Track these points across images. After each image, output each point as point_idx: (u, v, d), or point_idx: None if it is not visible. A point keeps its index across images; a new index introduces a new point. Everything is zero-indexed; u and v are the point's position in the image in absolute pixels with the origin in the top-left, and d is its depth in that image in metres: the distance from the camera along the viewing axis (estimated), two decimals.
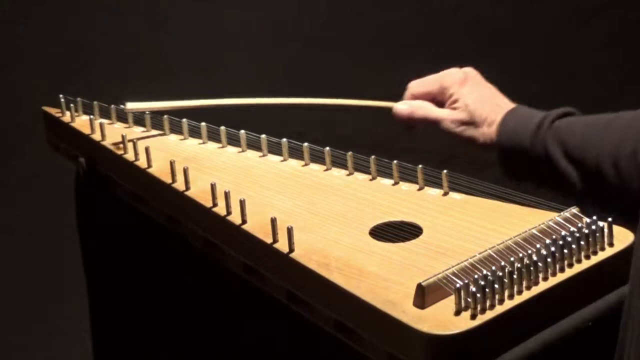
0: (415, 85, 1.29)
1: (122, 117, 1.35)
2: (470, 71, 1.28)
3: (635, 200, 1.02)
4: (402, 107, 1.28)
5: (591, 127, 1.18)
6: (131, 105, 1.30)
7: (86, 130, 1.31)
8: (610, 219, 0.99)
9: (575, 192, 1.15)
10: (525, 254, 0.94)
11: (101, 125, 1.29)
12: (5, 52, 2.18)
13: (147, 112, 1.32)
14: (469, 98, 1.24)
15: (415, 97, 1.28)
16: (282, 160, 1.25)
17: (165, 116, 1.32)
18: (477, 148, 1.24)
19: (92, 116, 1.33)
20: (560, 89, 2.51)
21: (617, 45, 2.60)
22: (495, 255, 0.95)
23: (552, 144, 1.17)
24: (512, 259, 0.93)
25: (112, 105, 1.35)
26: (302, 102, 1.32)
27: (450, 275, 0.92)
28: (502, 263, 0.93)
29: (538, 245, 0.96)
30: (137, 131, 1.34)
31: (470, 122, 1.24)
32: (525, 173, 1.20)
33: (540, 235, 0.98)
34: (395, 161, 1.17)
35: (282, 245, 1.03)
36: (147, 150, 1.21)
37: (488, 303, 0.90)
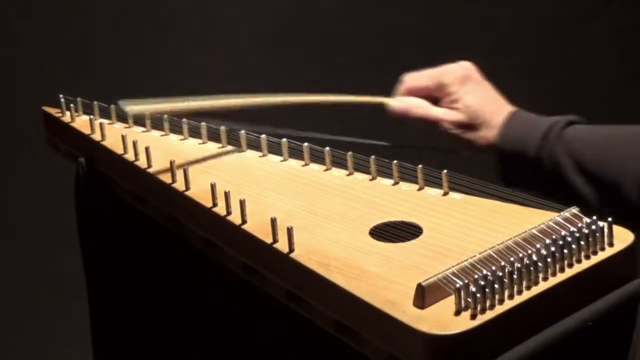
0: (411, 80, 1.24)
1: (122, 117, 1.35)
2: (469, 67, 1.22)
3: None
4: (397, 104, 1.22)
5: (609, 140, 1.11)
6: (130, 108, 1.26)
7: (86, 130, 1.31)
8: (610, 219, 0.99)
9: (585, 203, 1.11)
10: (525, 254, 0.94)
11: (101, 125, 1.29)
12: (5, 52, 2.18)
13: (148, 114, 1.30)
14: (470, 99, 1.19)
15: (410, 92, 1.23)
16: (282, 160, 1.25)
17: (166, 116, 1.32)
18: (476, 150, 1.21)
19: (92, 116, 1.33)
20: (560, 89, 2.51)
21: (617, 45, 2.60)
22: (495, 255, 0.95)
23: (562, 155, 1.12)
24: (512, 259, 0.93)
25: (112, 105, 1.35)
26: (293, 100, 1.28)
27: (450, 275, 0.92)
28: (502, 263, 0.93)
29: (538, 245, 0.96)
30: (137, 131, 1.34)
31: (470, 125, 1.19)
32: (525, 180, 1.16)
33: (540, 235, 0.98)
34: (395, 161, 1.16)
35: (282, 245, 1.03)
36: (147, 150, 1.21)
37: (488, 303, 0.90)
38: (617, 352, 0.98)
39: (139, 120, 1.35)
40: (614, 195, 1.09)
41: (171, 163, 1.17)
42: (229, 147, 1.29)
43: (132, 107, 1.24)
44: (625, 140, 1.11)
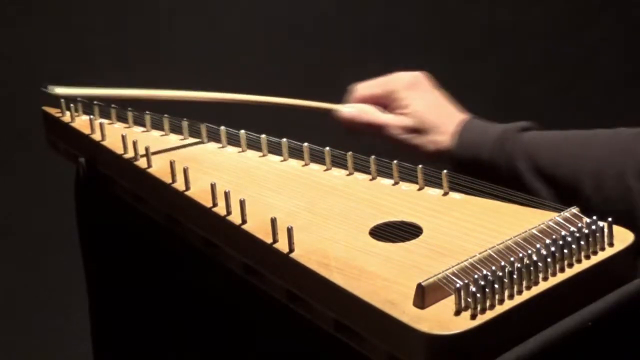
0: (361, 88, 1.24)
1: (122, 117, 1.35)
2: (420, 75, 1.22)
3: (617, 218, 0.99)
4: (345, 110, 1.23)
5: (565, 142, 1.13)
6: (60, 90, 1.26)
7: (86, 130, 1.31)
8: (610, 219, 0.99)
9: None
10: (525, 254, 0.94)
11: (101, 125, 1.29)
12: (5, 51, 2.18)
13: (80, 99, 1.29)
14: (419, 104, 1.19)
15: (360, 100, 1.23)
16: (282, 160, 1.25)
17: (166, 116, 1.32)
18: (423, 156, 1.20)
19: (92, 116, 1.33)
20: (560, 89, 2.51)
21: (618, 45, 2.60)
22: (495, 255, 0.95)
23: (518, 158, 1.13)
24: (512, 259, 0.93)
25: (112, 105, 1.35)
26: (246, 99, 1.28)
27: (450, 275, 0.92)
28: (502, 263, 0.93)
29: (538, 245, 0.96)
30: (137, 131, 1.34)
31: (419, 130, 1.19)
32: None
33: (540, 235, 0.98)
34: (395, 161, 1.17)
35: (282, 245, 1.03)
36: (147, 150, 1.21)
37: (488, 303, 0.90)
38: (617, 352, 0.98)
39: (138, 120, 1.35)
40: (571, 195, 1.10)
41: (171, 163, 1.17)
42: (229, 147, 1.29)
43: (62, 89, 1.25)
44: (579, 141, 1.13)
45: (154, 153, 1.22)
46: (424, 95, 1.21)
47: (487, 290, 0.90)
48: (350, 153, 1.20)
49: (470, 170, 1.16)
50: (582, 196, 1.09)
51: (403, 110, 1.20)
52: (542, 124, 1.26)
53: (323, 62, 2.33)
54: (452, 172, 1.12)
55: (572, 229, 0.98)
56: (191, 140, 1.32)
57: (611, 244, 0.98)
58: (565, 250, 0.95)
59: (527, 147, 1.13)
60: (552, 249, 0.95)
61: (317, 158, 1.23)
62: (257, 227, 1.06)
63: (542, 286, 0.93)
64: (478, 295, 0.89)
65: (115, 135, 1.28)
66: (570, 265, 0.96)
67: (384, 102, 1.22)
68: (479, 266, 0.93)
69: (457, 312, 0.90)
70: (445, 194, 1.13)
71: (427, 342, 0.87)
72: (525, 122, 1.18)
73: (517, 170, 1.13)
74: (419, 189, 1.15)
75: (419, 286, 0.91)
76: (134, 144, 1.23)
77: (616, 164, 1.08)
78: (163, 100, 1.29)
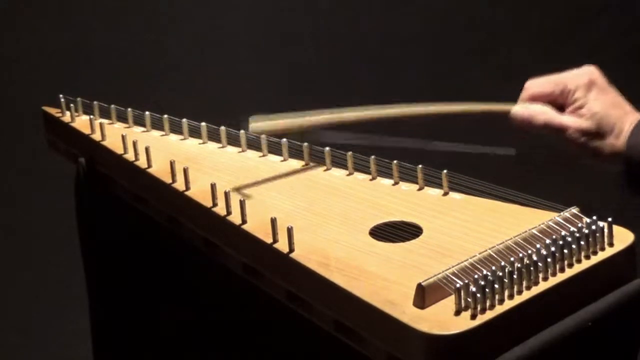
0: (534, 86, 1.20)
1: (122, 117, 1.35)
2: (594, 73, 1.19)
3: None
4: (520, 111, 1.18)
5: None
6: (255, 126, 1.21)
7: (86, 130, 1.31)
8: (610, 219, 0.99)
9: None
10: (525, 254, 0.94)
11: (101, 125, 1.29)
12: (5, 52, 2.18)
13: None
14: (596, 105, 1.15)
15: (534, 98, 1.19)
16: (282, 160, 1.25)
17: (165, 116, 1.32)
18: (602, 159, 1.16)
19: (92, 116, 1.33)
20: None
21: (618, 45, 2.60)
22: (495, 255, 0.95)
23: None
24: (512, 259, 0.93)
25: (112, 105, 1.35)
26: (413, 111, 1.22)
27: (450, 275, 0.92)
28: (502, 263, 0.93)
29: (538, 245, 0.96)
30: (137, 131, 1.34)
31: (597, 133, 1.14)
32: None
33: (540, 235, 0.98)
34: (395, 161, 1.17)
35: (282, 245, 1.03)
36: (147, 150, 1.21)
37: (488, 303, 0.90)
38: (617, 352, 0.98)
39: (138, 120, 1.35)
40: None
41: (171, 163, 1.17)
42: (229, 147, 1.29)
43: (257, 125, 1.20)
44: None
45: (154, 153, 1.22)
46: (600, 94, 1.16)
47: (487, 290, 0.90)
48: (350, 153, 1.20)
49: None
50: None
51: (580, 111, 1.16)
52: None
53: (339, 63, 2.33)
54: (452, 172, 1.12)
55: (572, 229, 0.98)
56: (191, 140, 1.31)
57: (611, 244, 0.98)
58: (565, 250, 0.95)
59: None
60: (552, 249, 0.95)
61: (317, 158, 1.23)
62: (257, 227, 1.06)
63: (542, 286, 0.93)
64: (478, 295, 0.89)
65: (115, 135, 1.28)
66: (570, 266, 0.96)
67: (559, 102, 1.18)
68: (479, 266, 0.93)
69: (457, 312, 0.90)
70: (445, 194, 1.13)
71: (427, 342, 0.87)
72: None
73: None
74: (419, 189, 1.15)
75: (419, 286, 0.91)
76: (134, 144, 1.23)
77: None
78: (355, 122, 1.21)
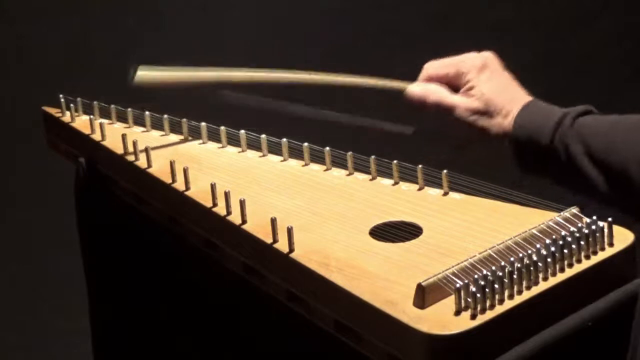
0: (431, 67, 1.24)
1: (122, 117, 1.35)
2: (489, 57, 1.23)
3: None
4: (415, 89, 1.22)
5: (616, 127, 1.13)
6: (142, 74, 1.23)
7: (86, 130, 1.31)
8: (610, 219, 0.99)
9: (596, 193, 1.12)
10: (525, 254, 0.94)
11: (101, 125, 1.29)
12: (5, 52, 2.18)
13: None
14: (486, 86, 1.20)
15: (431, 79, 1.23)
16: (282, 160, 1.25)
17: (165, 116, 1.32)
18: (490, 138, 1.21)
19: (92, 116, 1.33)
20: (560, 89, 2.51)
21: (618, 45, 2.60)
22: (495, 255, 0.95)
23: (573, 143, 1.13)
24: (512, 259, 0.93)
25: (112, 105, 1.35)
26: (311, 78, 1.25)
27: (450, 275, 0.92)
28: (502, 263, 0.93)
29: (538, 245, 0.96)
30: (137, 131, 1.34)
31: (485, 112, 1.19)
32: (540, 168, 1.17)
33: (540, 235, 0.98)
34: (395, 161, 1.16)
35: (282, 245, 1.03)
36: (147, 150, 1.21)
37: (488, 303, 0.90)
38: (617, 352, 0.98)
39: (138, 120, 1.35)
40: (621, 182, 1.10)
41: (171, 163, 1.17)
42: (229, 147, 1.29)
43: (143, 74, 1.23)
44: (631, 125, 1.12)
45: (154, 153, 1.22)
46: (491, 77, 1.21)
47: (487, 290, 0.90)
48: (350, 153, 1.20)
49: (529, 153, 1.16)
50: (632, 184, 1.09)
51: (471, 92, 1.20)
52: None
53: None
54: (452, 172, 1.12)
55: (572, 229, 0.98)
56: (191, 140, 1.31)
57: (611, 244, 0.98)
58: (565, 250, 0.95)
59: (582, 132, 1.13)
60: (552, 249, 0.95)
61: (317, 158, 1.23)
62: (257, 227, 1.06)
63: (542, 286, 0.93)
64: (478, 295, 0.89)
65: (115, 135, 1.28)
66: (570, 265, 0.96)
67: (454, 83, 1.22)
68: (479, 266, 0.93)
69: (457, 312, 0.90)
70: (445, 194, 1.13)
71: (427, 342, 0.87)
72: (585, 105, 1.18)
73: (572, 156, 1.13)
74: (419, 189, 1.15)
75: (419, 286, 0.91)
76: (134, 144, 1.23)
77: None
78: (249, 82, 1.24)
